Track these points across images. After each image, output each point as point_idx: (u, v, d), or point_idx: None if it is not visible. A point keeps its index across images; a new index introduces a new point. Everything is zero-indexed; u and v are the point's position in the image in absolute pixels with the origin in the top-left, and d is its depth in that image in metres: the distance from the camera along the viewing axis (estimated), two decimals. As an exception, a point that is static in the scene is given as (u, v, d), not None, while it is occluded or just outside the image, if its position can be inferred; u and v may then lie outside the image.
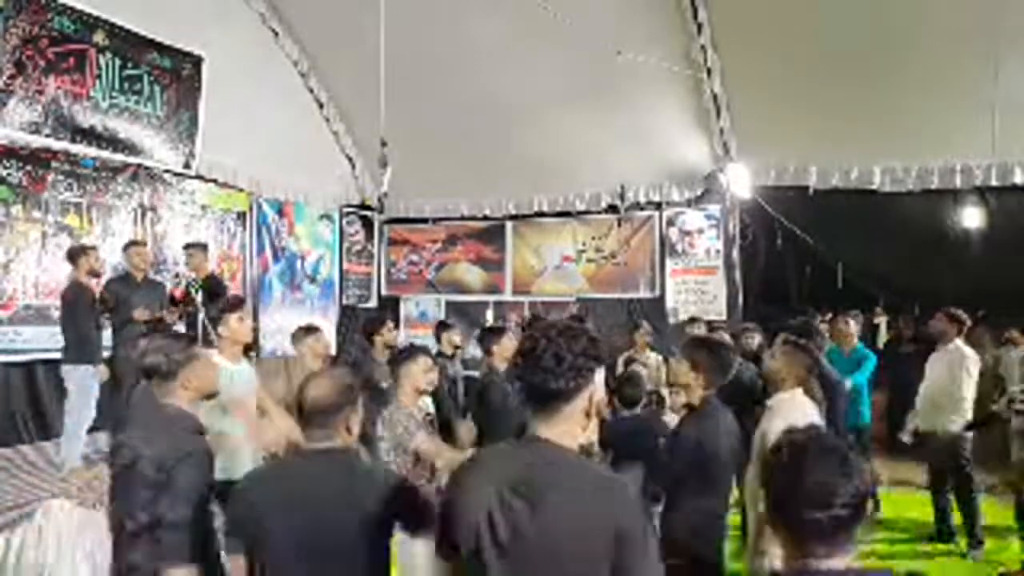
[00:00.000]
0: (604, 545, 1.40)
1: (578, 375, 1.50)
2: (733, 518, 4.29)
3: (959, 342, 4.99)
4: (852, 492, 1.32)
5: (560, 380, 1.48)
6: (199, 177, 7.37)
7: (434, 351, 5.46)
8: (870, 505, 1.40)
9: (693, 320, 6.86)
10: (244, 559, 1.90)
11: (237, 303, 3.75)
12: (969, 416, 4.88)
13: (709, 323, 6.94)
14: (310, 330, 4.61)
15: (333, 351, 8.72)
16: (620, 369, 6.07)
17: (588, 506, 1.43)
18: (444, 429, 4.37)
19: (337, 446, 1.97)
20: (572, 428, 1.54)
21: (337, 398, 1.97)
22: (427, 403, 4.71)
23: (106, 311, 5.27)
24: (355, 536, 1.85)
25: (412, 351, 3.46)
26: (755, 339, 5.37)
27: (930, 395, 5.04)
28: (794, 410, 2.91)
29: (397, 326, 9.85)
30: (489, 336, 4.56)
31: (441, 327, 5.77)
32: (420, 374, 3.31)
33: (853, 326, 5.62)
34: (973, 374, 4.89)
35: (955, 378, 4.87)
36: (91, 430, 5.15)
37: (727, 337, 5.75)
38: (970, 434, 4.88)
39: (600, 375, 1.57)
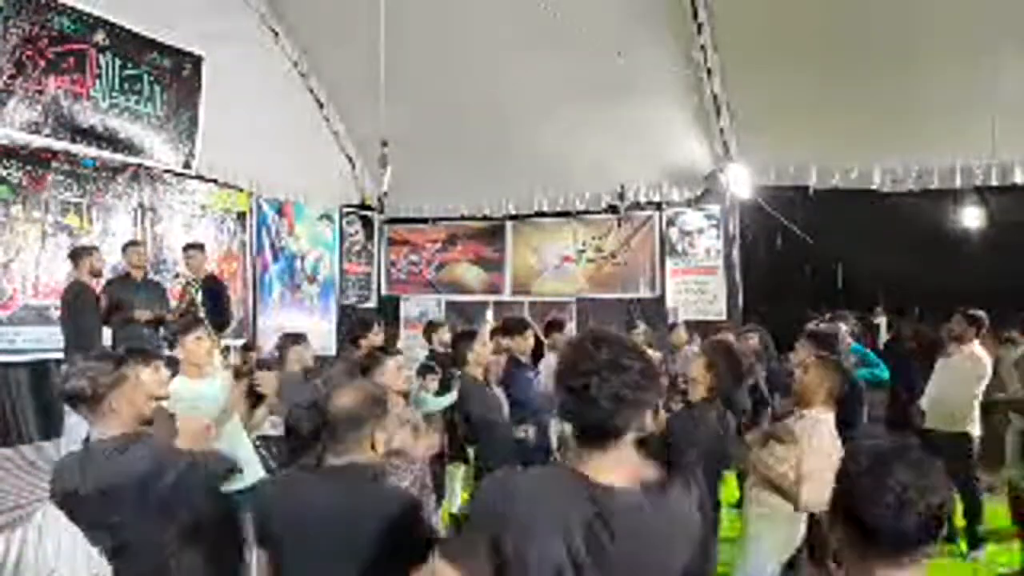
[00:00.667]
0: (684, 563, 1.38)
1: (636, 410, 1.39)
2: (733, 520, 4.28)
3: (976, 344, 4.98)
4: (931, 504, 1.28)
5: (619, 419, 1.37)
6: (199, 177, 7.37)
7: (427, 352, 5.47)
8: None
9: (723, 327, 6.76)
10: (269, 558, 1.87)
11: (191, 324, 3.62)
12: (978, 418, 4.89)
13: (711, 324, 6.92)
14: (297, 338, 4.50)
15: (334, 351, 8.73)
16: None
17: (668, 542, 1.37)
18: (450, 429, 4.37)
19: (359, 461, 1.89)
20: (626, 456, 1.43)
21: (363, 411, 1.89)
22: (436, 402, 4.71)
23: (106, 311, 5.27)
24: (363, 559, 1.79)
25: (378, 356, 3.38)
26: (753, 339, 5.36)
27: (942, 396, 5.02)
28: (823, 438, 2.86)
29: (397, 326, 9.95)
30: (463, 342, 4.36)
31: (430, 327, 5.75)
32: (394, 374, 3.25)
33: (843, 327, 5.60)
34: (987, 378, 4.90)
35: (970, 381, 4.87)
36: (91, 430, 5.15)
37: (731, 337, 5.77)
38: (977, 434, 4.88)
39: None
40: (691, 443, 2.71)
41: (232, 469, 2.38)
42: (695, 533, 1.41)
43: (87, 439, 2.21)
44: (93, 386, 2.09)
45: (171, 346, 3.55)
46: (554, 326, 6.06)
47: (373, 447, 1.91)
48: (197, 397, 3.16)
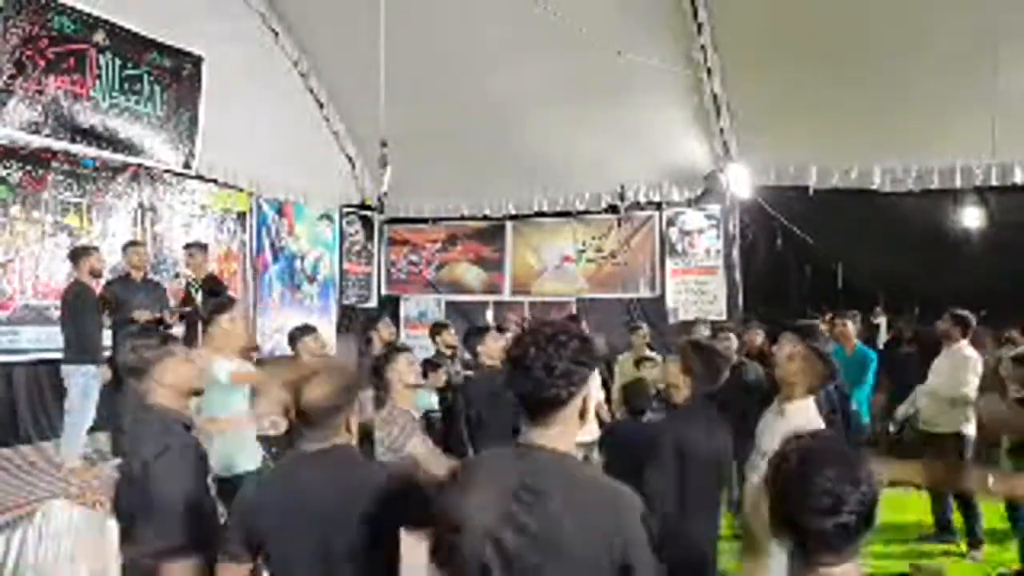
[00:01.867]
0: (611, 556, 1.41)
1: (570, 382, 1.48)
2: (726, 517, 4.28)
3: (964, 343, 4.99)
4: (861, 499, 1.29)
5: (551, 389, 1.46)
6: (199, 177, 7.37)
7: (432, 353, 5.49)
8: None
9: (696, 322, 6.84)
10: (238, 566, 1.86)
11: (227, 303, 3.75)
12: (972, 418, 4.88)
13: (713, 323, 6.92)
14: (307, 330, 4.62)
15: (333, 350, 8.73)
16: (629, 368, 6.05)
17: (595, 517, 1.43)
18: (452, 431, 4.38)
19: (336, 444, 1.95)
20: (568, 432, 1.54)
21: (336, 399, 1.93)
22: (432, 401, 4.71)
23: (107, 311, 5.27)
24: (361, 535, 1.82)
25: (391, 351, 3.48)
26: (759, 337, 5.37)
27: (934, 396, 5.03)
28: (804, 423, 2.87)
29: (397, 326, 9.94)
30: (474, 337, 4.53)
31: (436, 328, 5.77)
32: (406, 370, 3.31)
33: (851, 327, 5.61)
34: (977, 376, 4.89)
35: (960, 380, 4.88)
36: (91, 430, 5.15)
37: (733, 337, 5.77)
38: (972, 434, 4.88)
39: (596, 378, 1.56)
40: (631, 452, 2.71)
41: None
42: (622, 526, 1.44)
43: (117, 417, 2.42)
44: (138, 359, 2.31)
45: (205, 327, 3.70)
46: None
47: (348, 429, 1.98)
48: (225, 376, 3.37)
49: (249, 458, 3.57)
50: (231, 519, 1.96)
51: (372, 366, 3.50)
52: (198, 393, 2.54)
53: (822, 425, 2.90)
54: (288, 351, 5.05)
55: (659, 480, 2.69)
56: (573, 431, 1.55)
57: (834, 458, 1.35)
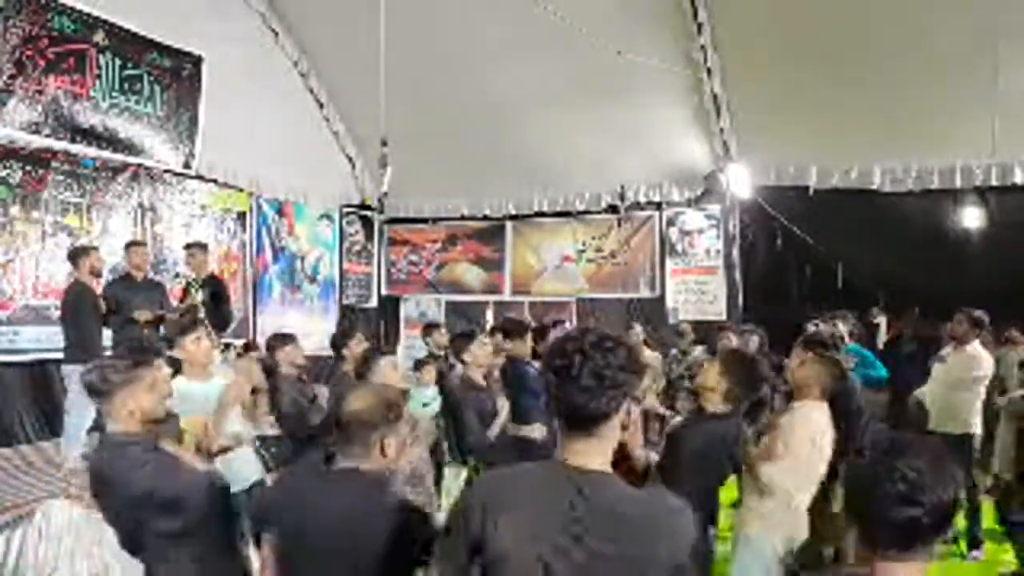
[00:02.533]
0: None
1: (621, 392, 1.39)
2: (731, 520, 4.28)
3: (977, 344, 4.99)
4: (939, 498, 1.27)
5: (601, 400, 1.37)
6: (199, 177, 7.37)
7: (424, 353, 5.51)
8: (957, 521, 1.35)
9: (723, 327, 6.68)
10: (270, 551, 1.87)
11: (190, 325, 3.60)
12: (979, 418, 4.89)
13: (716, 324, 6.90)
14: (284, 338, 4.42)
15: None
16: None
17: (648, 540, 1.35)
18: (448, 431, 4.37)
19: (367, 468, 1.88)
20: (610, 445, 1.45)
21: (375, 415, 1.87)
22: (427, 395, 4.71)
23: (107, 312, 5.27)
24: (367, 565, 1.78)
25: (373, 355, 3.40)
26: (755, 340, 5.36)
27: (944, 397, 5.02)
28: (814, 426, 2.88)
29: (397, 326, 9.96)
30: (460, 343, 4.35)
31: (428, 329, 5.80)
32: (391, 374, 3.25)
33: (842, 327, 5.59)
34: (988, 376, 4.90)
35: (971, 381, 4.87)
36: (91, 430, 5.14)
37: (733, 338, 5.76)
38: (979, 434, 4.88)
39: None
40: (678, 460, 2.70)
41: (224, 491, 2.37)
42: (681, 544, 1.37)
43: (102, 429, 2.27)
44: (102, 382, 2.14)
45: (170, 346, 3.52)
46: (543, 332, 5.82)
47: (384, 452, 1.89)
48: (198, 398, 3.15)
49: (251, 469, 3.53)
50: (252, 516, 1.96)
51: (356, 373, 3.41)
52: (158, 422, 2.33)
53: (818, 436, 2.90)
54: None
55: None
56: (614, 443, 1.46)
57: (924, 452, 1.33)
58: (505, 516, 1.38)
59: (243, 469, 3.38)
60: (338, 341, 4.73)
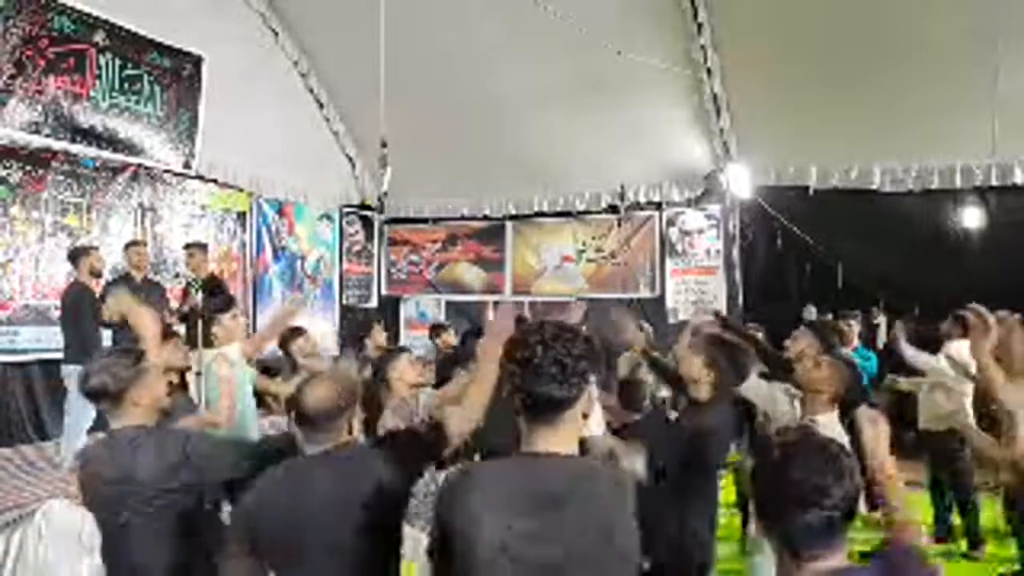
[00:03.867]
0: (630, 543, 1.42)
1: (581, 380, 1.46)
2: (731, 519, 4.28)
3: (965, 342, 4.99)
4: (844, 493, 1.29)
5: (564, 387, 1.43)
6: (199, 177, 7.37)
7: (432, 354, 5.51)
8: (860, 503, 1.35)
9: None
10: (239, 563, 1.86)
11: (227, 303, 3.98)
12: (971, 416, 4.88)
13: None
14: (296, 331, 4.51)
15: (335, 351, 8.73)
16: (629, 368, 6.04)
17: (610, 512, 1.43)
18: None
19: (338, 443, 1.94)
20: (574, 432, 1.52)
21: (338, 402, 1.92)
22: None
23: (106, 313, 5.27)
24: (365, 521, 1.82)
25: (391, 351, 3.53)
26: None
27: (933, 395, 5.03)
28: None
29: (397, 326, 9.95)
30: (472, 340, 4.39)
31: (436, 330, 5.80)
32: (408, 369, 3.33)
33: (855, 327, 5.60)
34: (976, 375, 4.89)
35: (958, 379, 4.87)
36: (91, 430, 5.14)
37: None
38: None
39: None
40: (699, 445, 2.68)
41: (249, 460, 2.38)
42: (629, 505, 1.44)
43: (108, 429, 2.27)
44: (115, 382, 2.16)
45: (208, 327, 3.94)
46: None
47: (350, 431, 1.97)
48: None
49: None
50: (234, 520, 1.96)
51: (373, 368, 3.50)
52: (166, 413, 2.43)
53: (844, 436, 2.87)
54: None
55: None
56: (577, 431, 1.53)
57: (817, 451, 1.34)
58: (468, 504, 1.44)
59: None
60: (360, 332, 4.92)
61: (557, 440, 1.47)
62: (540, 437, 1.48)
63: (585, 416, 1.52)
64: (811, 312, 5.64)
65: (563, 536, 1.38)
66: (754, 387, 2.99)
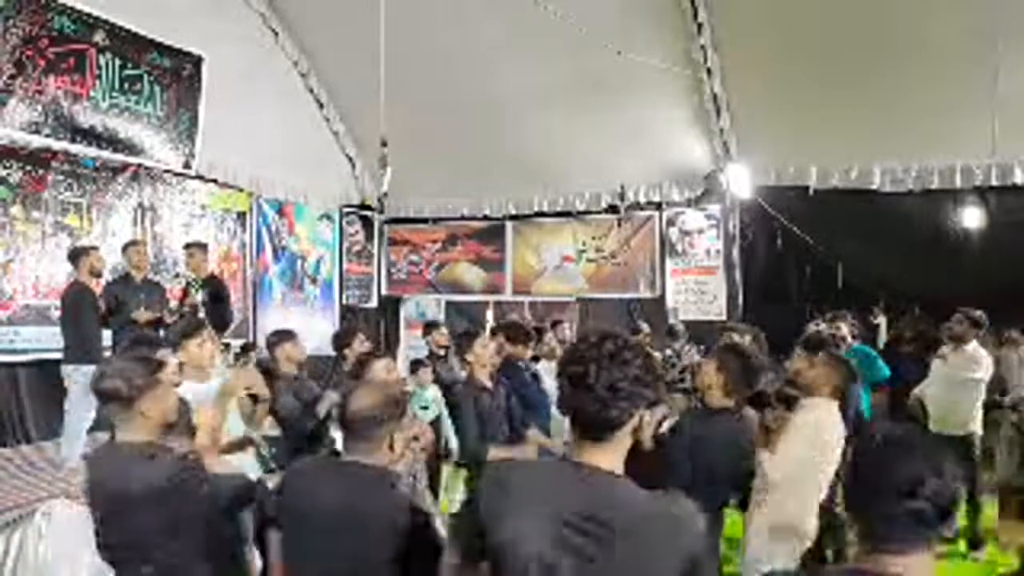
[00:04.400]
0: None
1: (633, 404, 1.38)
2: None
3: (976, 344, 4.99)
4: (939, 490, 1.27)
5: (613, 412, 1.37)
6: (199, 177, 7.37)
7: (426, 354, 5.49)
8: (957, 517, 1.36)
9: (724, 328, 6.67)
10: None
11: (194, 327, 3.57)
12: (979, 419, 4.89)
13: (715, 324, 6.88)
14: (285, 335, 4.34)
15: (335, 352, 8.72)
16: None
17: (657, 544, 1.34)
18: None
19: (374, 463, 1.90)
20: (621, 450, 1.45)
21: (382, 411, 1.91)
22: (427, 397, 4.68)
23: (106, 312, 5.27)
24: (365, 559, 1.80)
25: (368, 357, 3.39)
26: (746, 339, 5.34)
27: (944, 397, 5.02)
28: (824, 423, 2.88)
29: (397, 326, 9.96)
30: (463, 343, 4.21)
31: (427, 328, 5.77)
32: (385, 376, 3.22)
33: (844, 328, 5.59)
34: (988, 376, 4.90)
35: (971, 381, 4.88)
36: (91, 430, 5.15)
37: (735, 336, 5.74)
38: (979, 434, 4.89)
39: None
40: (689, 457, 2.69)
41: (249, 492, 2.34)
42: (689, 550, 1.36)
43: (113, 436, 2.20)
44: (128, 387, 2.09)
45: (174, 348, 3.48)
46: (540, 333, 5.61)
47: (391, 447, 1.94)
48: (201, 400, 3.12)
49: (250, 468, 3.52)
50: (256, 516, 1.97)
51: (351, 375, 3.39)
52: (171, 427, 2.31)
53: (826, 433, 2.89)
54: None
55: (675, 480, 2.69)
56: (625, 449, 1.45)
57: (919, 445, 1.34)
58: (510, 509, 1.38)
59: (242, 469, 3.38)
60: (340, 341, 4.69)
61: (604, 457, 1.41)
62: (586, 451, 1.43)
63: (636, 432, 1.44)
64: (839, 327, 5.62)
65: (601, 559, 1.32)
66: None
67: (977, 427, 4.89)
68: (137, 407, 2.11)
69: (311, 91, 8.76)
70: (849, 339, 5.56)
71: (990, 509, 4.90)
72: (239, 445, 3.27)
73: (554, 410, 4.43)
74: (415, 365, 5.01)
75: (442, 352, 5.48)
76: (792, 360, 3.54)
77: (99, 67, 6.11)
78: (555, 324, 6.64)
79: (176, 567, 2.06)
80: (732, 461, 2.73)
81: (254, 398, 3.67)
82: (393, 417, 1.94)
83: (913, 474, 1.28)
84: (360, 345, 4.53)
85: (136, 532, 2.06)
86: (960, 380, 4.92)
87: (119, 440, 2.17)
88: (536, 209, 9.08)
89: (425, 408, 4.64)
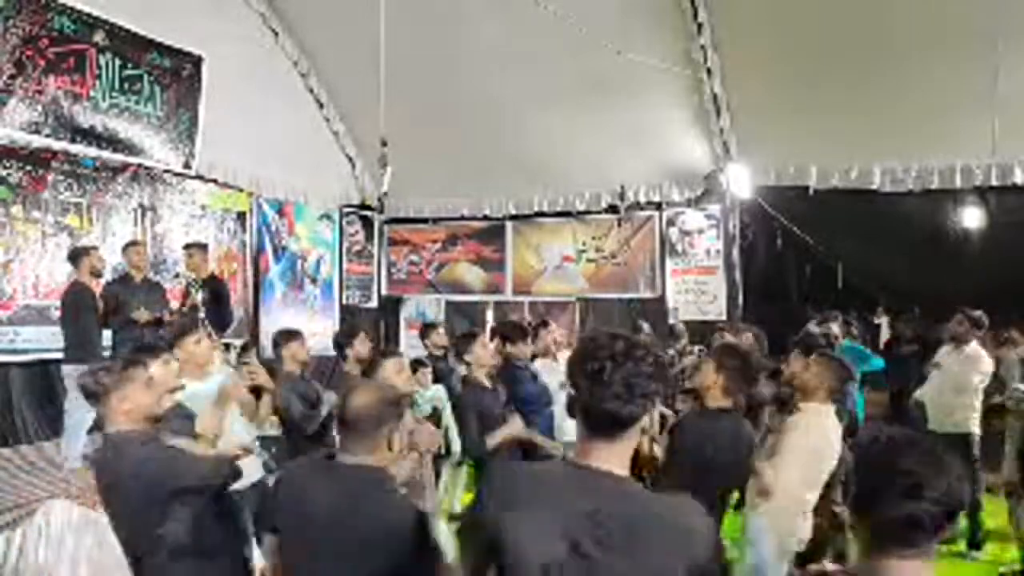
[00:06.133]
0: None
1: (647, 400, 1.40)
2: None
3: (976, 344, 5.00)
4: (944, 492, 1.27)
5: (629, 407, 1.38)
6: (199, 177, 7.36)
7: (425, 354, 5.46)
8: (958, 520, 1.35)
9: (721, 327, 6.66)
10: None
11: (189, 326, 3.61)
12: (978, 418, 4.89)
13: (715, 324, 6.88)
14: (292, 335, 4.31)
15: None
16: None
17: (666, 547, 1.34)
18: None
19: (371, 463, 1.90)
20: (629, 448, 1.46)
21: (381, 411, 1.91)
22: (431, 396, 4.67)
23: (106, 312, 5.27)
24: (361, 562, 1.79)
25: (378, 356, 3.39)
26: (747, 337, 5.34)
27: (943, 397, 5.03)
28: (820, 427, 2.90)
29: (397, 326, 9.96)
30: (463, 344, 4.21)
31: (425, 329, 5.73)
32: (395, 376, 3.21)
33: (834, 328, 5.59)
34: (987, 376, 4.91)
35: (971, 381, 4.88)
36: (91, 430, 5.14)
37: (728, 335, 5.74)
38: (978, 434, 4.89)
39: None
40: (698, 456, 2.67)
41: (235, 477, 2.40)
42: (698, 553, 1.36)
43: (105, 432, 2.33)
44: (97, 384, 2.26)
45: (171, 348, 3.49)
46: (534, 332, 5.46)
47: (390, 447, 1.97)
48: (198, 398, 3.13)
49: (251, 469, 3.50)
50: (256, 517, 1.98)
51: (361, 372, 3.41)
52: (157, 420, 2.40)
53: (823, 439, 2.90)
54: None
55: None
56: (632, 448, 1.47)
57: (923, 448, 1.34)
58: (520, 513, 1.38)
59: (244, 469, 3.38)
60: (341, 340, 4.67)
61: (613, 457, 1.42)
62: (595, 450, 1.42)
63: (644, 431, 1.48)
64: (830, 327, 5.63)
65: (611, 563, 1.31)
66: None
67: (976, 428, 4.90)
68: (110, 402, 2.26)
69: (311, 91, 8.76)
70: (841, 337, 5.58)
71: (990, 509, 4.91)
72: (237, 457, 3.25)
73: (555, 408, 4.44)
74: (415, 365, 5.00)
75: (440, 353, 5.47)
76: (790, 363, 3.56)
77: (99, 67, 6.11)
78: (544, 323, 6.38)
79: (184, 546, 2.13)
80: (731, 462, 2.73)
81: (258, 393, 3.66)
82: (392, 417, 1.94)
83: (918, 476, 1.28)
84: (361, 345, 4.53)
85: (136, 509, 2.16)
86: (959, 380, 4.93)
87: (104, 432, 2.33)
88: (536, 209, 9.07)
89: (422, 409, 4.62)
